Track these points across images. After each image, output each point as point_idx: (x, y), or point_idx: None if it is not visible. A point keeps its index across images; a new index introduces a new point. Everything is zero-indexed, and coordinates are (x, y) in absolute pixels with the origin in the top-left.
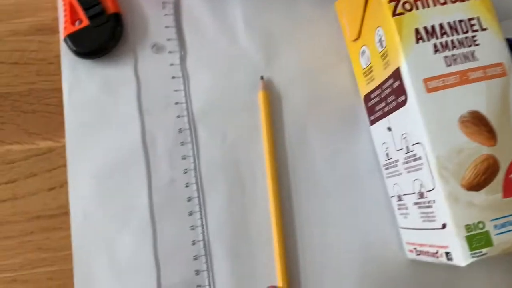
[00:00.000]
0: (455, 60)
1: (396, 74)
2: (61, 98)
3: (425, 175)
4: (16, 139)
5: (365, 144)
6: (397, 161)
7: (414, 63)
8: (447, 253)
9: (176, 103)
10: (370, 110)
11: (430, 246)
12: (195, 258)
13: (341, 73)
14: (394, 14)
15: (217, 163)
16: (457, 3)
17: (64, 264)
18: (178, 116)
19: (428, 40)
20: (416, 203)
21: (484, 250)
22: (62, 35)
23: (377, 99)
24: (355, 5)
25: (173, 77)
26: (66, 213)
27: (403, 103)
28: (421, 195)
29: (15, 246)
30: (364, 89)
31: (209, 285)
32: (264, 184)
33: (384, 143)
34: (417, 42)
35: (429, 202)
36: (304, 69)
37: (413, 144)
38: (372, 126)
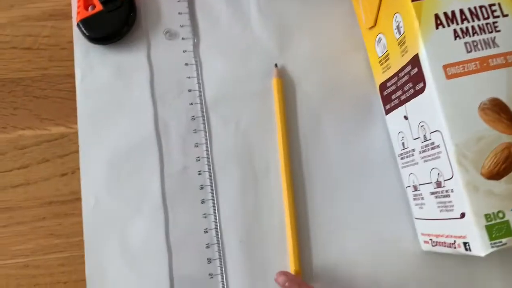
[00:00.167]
0: (475, 46)
1: (415, 61)
2: (73, 84)
3: (443, 164)
4: (28, 124)
5: (379, 133)
6: (413, 150)
7: (433, 49)
8: (465, 243)
9: (189, 90)
10: (386, 99)
11: (447, 236)
12: (207, 246)
13: (356, 62)
14: None
15: (230, 151)
16: None
17: (76, 250)
18: (191, 103)
19: (448, 25)
20: (433, 193)
21: (504, 240)
22: (75, 20)
23: (393, 87)
24: None
25: (186, 64)
26: (78, 199)
27: (421, 90)
28: (438, 185)
29: (27, 232)
30: (380, 77)
31: (221, 273)
32: (277, 172)
33: (400, 132)
34: (437, 28)
35: (447, 191)
36: (318, 57)
37: (431, 132)
38: (387, 115)
